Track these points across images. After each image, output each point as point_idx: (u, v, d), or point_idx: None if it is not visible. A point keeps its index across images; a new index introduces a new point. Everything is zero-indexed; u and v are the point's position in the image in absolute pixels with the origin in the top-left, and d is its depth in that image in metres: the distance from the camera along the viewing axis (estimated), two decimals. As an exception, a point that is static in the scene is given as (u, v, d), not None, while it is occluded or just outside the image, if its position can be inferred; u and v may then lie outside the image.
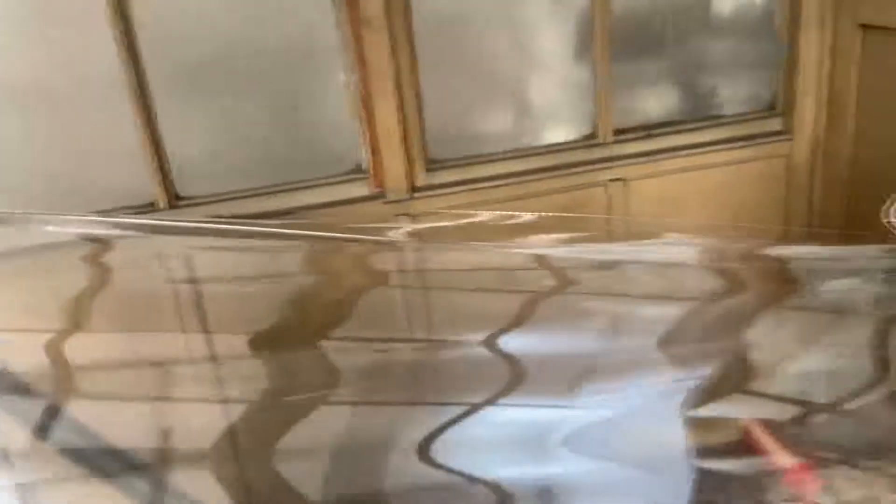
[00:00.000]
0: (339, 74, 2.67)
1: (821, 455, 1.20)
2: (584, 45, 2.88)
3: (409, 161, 2.77)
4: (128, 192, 2.63)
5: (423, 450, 1.19)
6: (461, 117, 2.90)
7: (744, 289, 1.60)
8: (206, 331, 1.53)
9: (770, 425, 1.19)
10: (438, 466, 1.18)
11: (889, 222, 1.40)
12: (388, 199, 2.78)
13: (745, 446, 1.19)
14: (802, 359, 1.38)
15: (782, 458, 1.14)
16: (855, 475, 1.14)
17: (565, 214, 2.77)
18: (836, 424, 1.26)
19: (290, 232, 1.75)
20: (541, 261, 1.73)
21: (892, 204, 1.46)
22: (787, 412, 1.30)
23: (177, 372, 1.43)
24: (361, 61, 2.61)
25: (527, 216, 2.02)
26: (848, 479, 1.13)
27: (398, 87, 2.68)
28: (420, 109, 2.77)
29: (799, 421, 1.26)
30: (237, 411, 1.36)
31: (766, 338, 1.45)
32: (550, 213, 2.53)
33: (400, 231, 2.05)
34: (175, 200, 2.67)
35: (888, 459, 1.18)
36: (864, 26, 2.76)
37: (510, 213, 2.06)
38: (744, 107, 3.09)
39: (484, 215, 2.17)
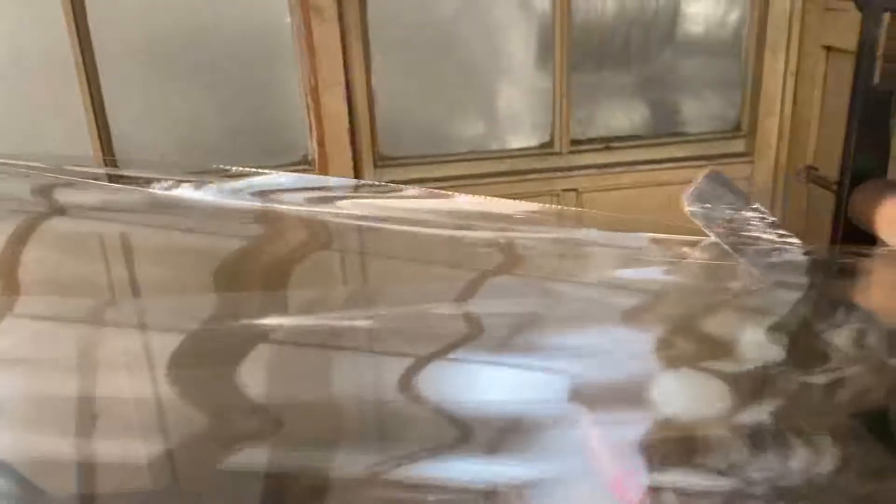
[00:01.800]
0: (290, 62, 2.64)
1: (652, 464, 1.15)
2: (546, 53, 2.85)
3: (357, 156, 2.73)
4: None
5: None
6: (416, 115, 2.86)
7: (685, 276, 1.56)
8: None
9: (607, 430, 1.13)
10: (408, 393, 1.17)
11: (689, 210, 1.34)
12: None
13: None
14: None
15: (612, 464, 1.09)
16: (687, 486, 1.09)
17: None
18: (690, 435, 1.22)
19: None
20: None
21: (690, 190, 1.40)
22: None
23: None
24: (311, 50, 2.58)
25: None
26: (676, 492, 1.08)
27: (348, 79, 2.65)
28: (371, 105, 2.74)
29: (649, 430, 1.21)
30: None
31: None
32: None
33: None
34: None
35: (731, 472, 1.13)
36: (828, 48, 2.71)
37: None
38: (708, 126, 3.03)
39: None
